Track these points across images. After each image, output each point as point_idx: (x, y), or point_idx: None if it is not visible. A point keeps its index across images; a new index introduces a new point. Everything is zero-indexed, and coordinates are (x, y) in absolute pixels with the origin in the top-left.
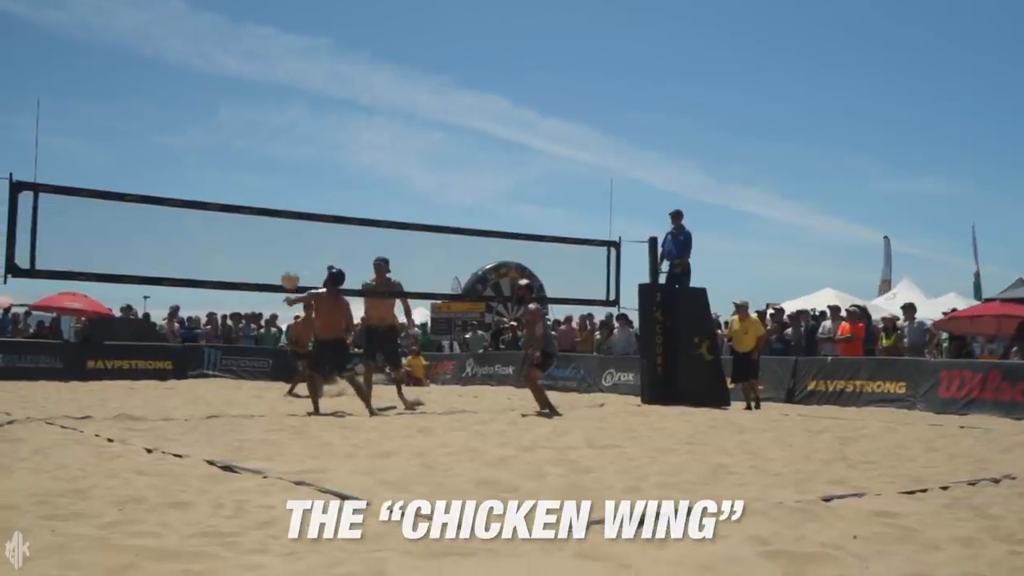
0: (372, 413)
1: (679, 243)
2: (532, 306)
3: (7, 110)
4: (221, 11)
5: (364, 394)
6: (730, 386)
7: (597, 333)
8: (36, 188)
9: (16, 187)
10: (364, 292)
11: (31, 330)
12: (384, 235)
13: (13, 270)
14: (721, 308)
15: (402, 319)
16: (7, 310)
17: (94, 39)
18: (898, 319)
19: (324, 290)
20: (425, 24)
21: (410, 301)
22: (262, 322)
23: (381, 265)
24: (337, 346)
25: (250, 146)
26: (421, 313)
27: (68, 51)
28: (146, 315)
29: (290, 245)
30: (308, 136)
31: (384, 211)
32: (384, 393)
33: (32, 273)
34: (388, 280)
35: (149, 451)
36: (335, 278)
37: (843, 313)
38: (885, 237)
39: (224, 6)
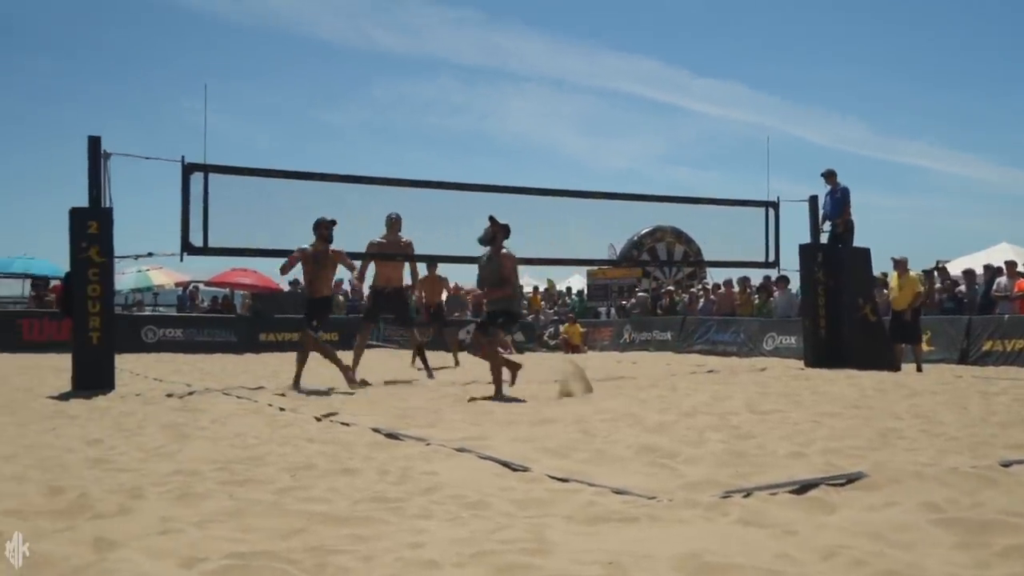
0: (350, 380)
1: (836, 201)
2: (504, 251)
3: (175, 95)
4: None
5: (333, 356)
6: None
7: (755, 296)
8: (206, 169)
9: (188, 169)
10: (373, 256)
11: (205, 304)
12: (537, 202)
13: (188, 248)
14: (888, 268)
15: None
16: (186, 287)
17: (258, 23)
18: None
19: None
20: None
21: (566, 268)
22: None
23: (395, 220)
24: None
25: (402, 118)
26: (578, 280)
27: (230, 35)
28: None
29: (444, 215)
30: (459, 107)
31: (536, 178)
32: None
33: (205, 251)
34: (400, 238)
35: (318, 419)
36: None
37: (1020, 268)
38: None
39: None
